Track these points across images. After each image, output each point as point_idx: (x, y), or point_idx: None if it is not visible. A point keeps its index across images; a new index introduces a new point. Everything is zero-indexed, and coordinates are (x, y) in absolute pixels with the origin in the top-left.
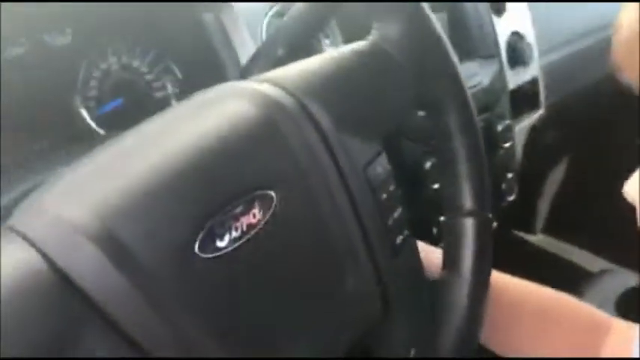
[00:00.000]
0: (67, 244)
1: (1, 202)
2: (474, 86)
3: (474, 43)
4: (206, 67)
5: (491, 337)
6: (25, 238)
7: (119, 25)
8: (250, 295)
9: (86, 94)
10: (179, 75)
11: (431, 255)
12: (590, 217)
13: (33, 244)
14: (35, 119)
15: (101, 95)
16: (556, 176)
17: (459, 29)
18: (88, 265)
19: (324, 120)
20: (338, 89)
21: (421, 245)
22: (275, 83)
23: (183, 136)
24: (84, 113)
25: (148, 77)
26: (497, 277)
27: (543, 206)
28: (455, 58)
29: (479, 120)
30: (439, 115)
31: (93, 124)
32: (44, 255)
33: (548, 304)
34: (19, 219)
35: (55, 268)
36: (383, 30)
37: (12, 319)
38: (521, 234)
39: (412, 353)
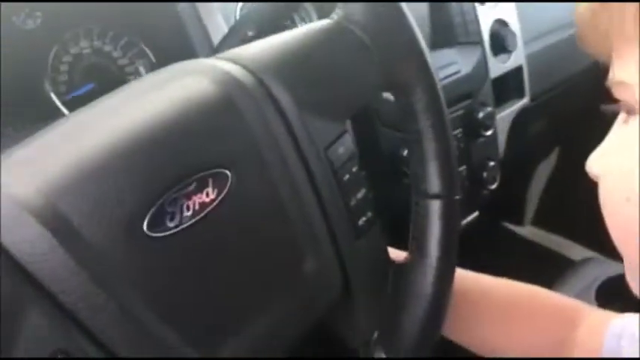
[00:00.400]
0: (11, 220)
1: None
2: (454, 74)
3: (455, 29)
4: (179, 52)
5: (460, 332)
6: None
7: (91, 10)
8: (201, 275)
9: (56, 79)
10: (153, 59)
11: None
12: (579, 209)
13: None
14: (4, 103)
15: (72, 80)
16: (545, 167)
17: (440, 15)
18: (32, 244)
19: (285, 99)
20: (300, 68)
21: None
22: (235, 60)
23: (137, 112)
24: (54, 98)
25: (121, 62)
26: (465, 273)
27: (532, 198)
28: (421, 38)
29: (459, 107)
30: (405, 96)
31: (63, 109)
32: None
33: (517, 296)
34: None
35: None
36: (348, 9)
37: None
38: (510, 226)
39: (374, 336)
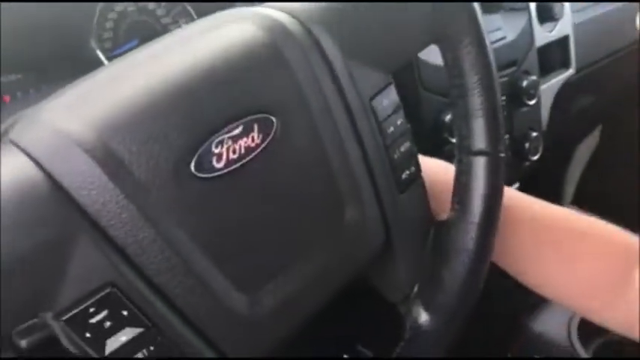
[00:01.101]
0: (63, 155)
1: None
2: (499, 40)
3: None
4: (221, 8)
5: (517, 267)
6: (22, 149)
7: None
8: (245, 218)
9: (102, 36)
10: (195, 17)
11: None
12: (620, 190)
13: (29, 155)
14: (52, 60)
15: (116, 37)
16: (587, 145)
17: None
18: (83, 177)
19: (331, 47)
20: (347, 17)
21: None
22: (282, 8)
23: (186, 56)
24: (99, 54)
25: (164, 20)
26: (521, 199)
27: (573, 176)
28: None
29: (503, 74)
30: (453, 49)
31: (107, 64)
32: (40, 165)
33: (579, 230)
34: (17, 132)
35: (51, 178)
36: None
37: (8, 226)
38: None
39: (415, 290)
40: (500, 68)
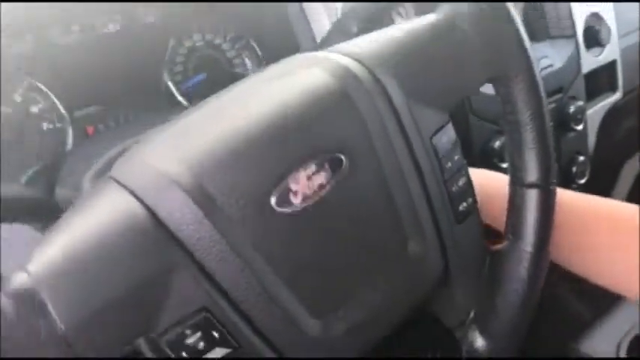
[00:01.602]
0: (164, 193)
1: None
2: (546, 67)
3: (548, 23)
4: (284, 44)
5: (566, 258)
6: (125, 187)
7: (205, 5)
8: (317, 249)
9: (173, 69)
10: (258, 52)
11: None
12: None
13: (132, 193)
14: (127, 90)
15: (186, 70)
16: (632, 166)
17: (534, 9)
18: (182, 214)
19: (394, 89)
20: (408, 60)
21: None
22: (348, 54)
23: (264, 100)
24: (171, 86)
25: (230, 54)
26: (566, 195)
27: (618, 197)
28: (524, 31)
29: (550, 101)
30: (506, 86)
31: (178, 96)
32: (142, 202)
33: (622, 217)
34: (120, 170)
35: (152, 215)
36: (456, 5)
37: (114, 259)
38: None
39: (471, 316)
40: (548, 95)
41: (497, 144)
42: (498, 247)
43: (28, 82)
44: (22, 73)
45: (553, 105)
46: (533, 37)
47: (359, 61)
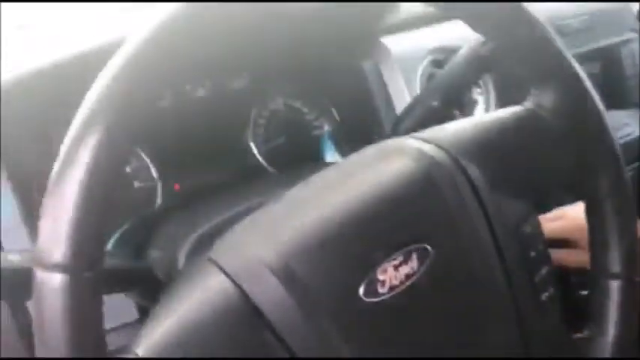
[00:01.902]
0: (257, 278)
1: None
2: (625, 136)
3: (626, 91)
4: (362, 110)
5: None
6: (221, 268)
7: (287, 70)
8: (402, 337)
9: (256, 131)
10: (336, 116)
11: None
12: None
13: (231, 279)
14: (212, 150)
15: (268, 132)
16: None
17: (611, 78)
18: (275, 300)
19: (479, 180)
20: (494, 151)
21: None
22: (433, 142)
23: (353, 189)
24: (253, 148)
25: (309, 117)
26: None
27: None
28: (609, 124)
29: (628, 169)
30: (591, 179)
31: (260, 158)
32: (240, 288)
33: None
34: (219, 252)
35: (247, 299)
36: (540, 96)
37: (211, 348)
38: None
39: None
40: (626, 163)
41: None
42: (580, 336)
43: None
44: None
45: (631, 173)
46: (615, 105)
47: (443, 148)
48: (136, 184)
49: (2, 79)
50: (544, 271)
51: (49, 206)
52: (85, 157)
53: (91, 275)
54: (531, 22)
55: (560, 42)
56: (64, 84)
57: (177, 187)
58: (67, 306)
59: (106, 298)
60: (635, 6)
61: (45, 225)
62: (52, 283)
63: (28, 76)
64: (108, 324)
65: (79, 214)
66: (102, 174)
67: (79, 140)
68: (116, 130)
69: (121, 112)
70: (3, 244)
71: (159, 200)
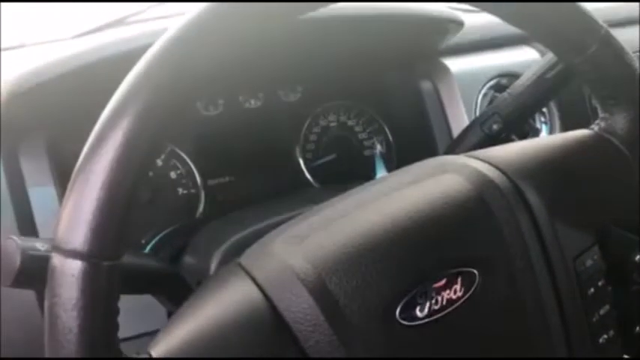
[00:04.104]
0: (287, 289)
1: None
2: None
3: None
4: (416, 132)
5: None
6: (250, 275)
7: (342, 86)
8: None
9: (305, 147)
10: (390, 137)
11: None
12: None
13: (257, 284)
14: (259, 163)
15: (318, 149)
16: None
17: None
18: (303, 313)
19: (538, 205)
20: (555, 175)
21: None
22: (489, 161)
23: (399, 203)
24: (301, 163)
25: (361, 136)
26: None
27: None
28: None
29: None
30: None
31: (307, 175)
32: (265, 294)
33: None
34: (249, 258)
35: (273, 309)
36: (610, 121)
37: (231, 345)
38: None
39: None
40: None
41: (637, 257)
42: None
43: (170, 149)
44: (166, 139)
45: None
46: None
47: (499, 169)
48: (180, 191)
49: (49, 71)
50: (603, 311)
51: (73, 191)
52: (112, 145)
53: (109, 265)
54: (611, 44)
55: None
56: (108, 77)
57: (220, 197)
58: (81, 293)
59: (139, 304)
60: (635, 6)
61: (66, 210)
62: (69, 269)
63: (74, 69)
64: (139, 329)
65: (102, 201)
66: (129, 164)
67: (108, 128)
68: (146, 122)
69: (152, 104)
70: (42, 235)
71: (200, 209)
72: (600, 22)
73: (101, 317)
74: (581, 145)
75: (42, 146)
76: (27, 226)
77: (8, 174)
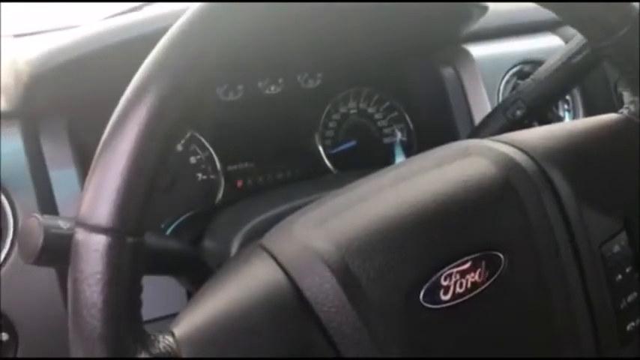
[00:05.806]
0: (310, 269)
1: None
2: None
3: None
4: (437, 119)
5: None
6: (273, 256)
7: (362, 74)
8: (461, 349)
9: (325, 134)
10: (410, 124)
11: None
12: None
13: (280, 264)
14: (279, 149)
15: (337, 136)
16: None
17: None
18: (326, 294)
19: (565, 189)
20: (582, 159)
21: None
22: (516, 145)
23: (423, 186)
24: (321, 150)
25: (381, 123)
26: None
27: None
28: None
29: None
30: None
31: (327, 161)
32: (288, 275)
33: None
34: (271, 239)
35: (296, 290)
36: (639, 104)
37: (253, 334)
38: None
39: None
40: None
41: None
42: None
43: (190, 134)
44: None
45: None
46: None
47: (526, 152)
48: (200, 176)
49: (74, 50)
50: (630, 297)
51: (97, 167)
52: (137, 121)
53: (132, 241)
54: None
55: None
56: (130, 59)
57: (239, 183)
58: (105, 267)
59: (160, 287)
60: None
61: (90, 187)
62: (93, 243)
63: (97, 49)
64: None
65: (127, 177)
66: (153, 140)
67: (132, 104)
68: (170, 98)
69: (177, 79)
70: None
71: (220, 195)
72: (633, 3)
73: (126, 292)
74: (609, 129)
75: (63, 127)
76: (48, 206)
77: (29, 155)
